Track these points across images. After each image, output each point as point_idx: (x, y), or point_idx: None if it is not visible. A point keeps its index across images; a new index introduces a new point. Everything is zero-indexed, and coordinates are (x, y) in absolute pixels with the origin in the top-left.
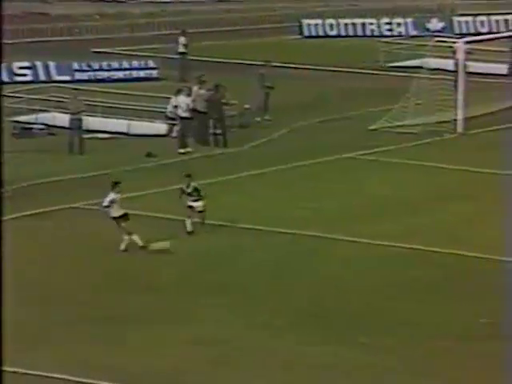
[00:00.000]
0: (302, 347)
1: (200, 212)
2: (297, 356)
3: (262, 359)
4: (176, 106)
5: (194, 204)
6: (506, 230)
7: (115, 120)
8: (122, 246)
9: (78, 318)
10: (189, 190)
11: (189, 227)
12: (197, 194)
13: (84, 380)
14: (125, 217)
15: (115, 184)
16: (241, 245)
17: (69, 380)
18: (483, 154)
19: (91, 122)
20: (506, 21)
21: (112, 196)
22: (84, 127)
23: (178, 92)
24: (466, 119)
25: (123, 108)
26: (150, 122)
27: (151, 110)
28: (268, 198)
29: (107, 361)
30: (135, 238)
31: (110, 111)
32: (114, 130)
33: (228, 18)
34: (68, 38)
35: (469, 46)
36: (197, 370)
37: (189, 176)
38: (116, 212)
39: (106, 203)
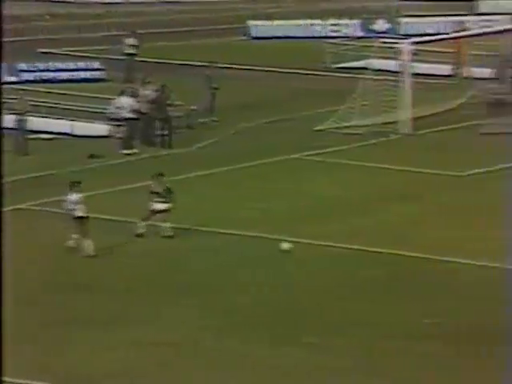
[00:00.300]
0: (256, 348)
1: (163, 212)
2: (254, 357)
3: (215, 360)
4: (119, 107)
5: (159, 206)
6: (449, 231)
7: (58, 121)
8: (69, 244)
9: (36, 320)
10: (158, 190)
11: (140, 229)
12: (168, 194)
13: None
14: (85, 218)
15: (74, 184)
16: (190, 246)
17: None
18: (429, 155)
19: (35, 122)
20: (452, 22)
21: (74, 197)
22: (28, 128)
23: (122, 93)
24: (412, 120)
25: (67, 109)
26: (94, 122)
27: (95, 111)
28: (216, 199)
29: (57, 363)
30: (89, 244)
31: (54, 112)
32: (57, 131)
33: (178, 19)
34: (17, 38)
35: (414, 47)
36: (147, 372)
37: (161, 175)
38: (80, 212)
39: (70, 206)
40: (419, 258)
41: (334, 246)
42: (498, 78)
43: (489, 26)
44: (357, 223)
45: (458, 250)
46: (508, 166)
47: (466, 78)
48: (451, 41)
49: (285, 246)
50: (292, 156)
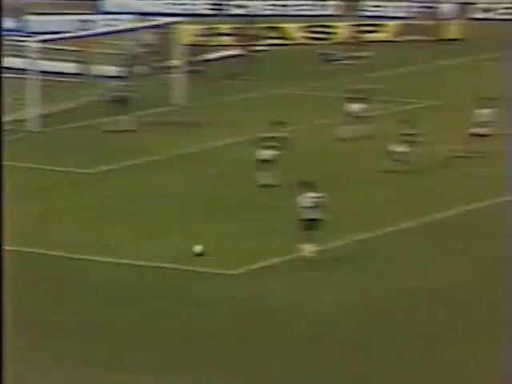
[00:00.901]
0: None
1: None
2: None
3: None
4: None
5: None
6: (79, 229)
7: None
8: None
9: None
10: None
11: None
12: None
13: None
14: None
15: None
16: None
17: None
18: (56, 153)
19: None
20: (79, 21)
21: None
22: None
23: None
24: (40, 118)
25: None
26: None
27: None
28: None
29: None
30: None
31: None
32: None
33: None
34: None
35: (42, 45)
36: None
37: None
38: None
39: None
40: (51, 256)
41: None
42: (124, 76)
43: (116, 25)
44: None
45: (88, 248)
46: (134, 162)
47: (94, 76)
48: (80, 39)
49: (197, 249)
50: None
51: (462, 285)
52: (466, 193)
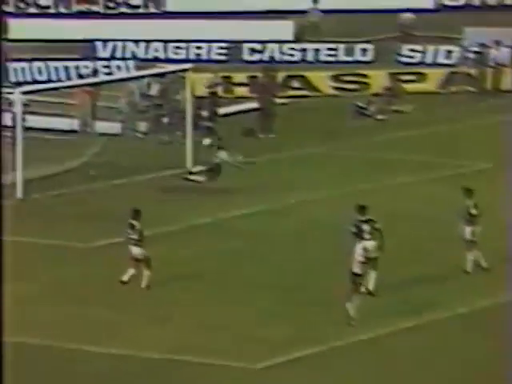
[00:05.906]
0: None
1: None
2: None
3: None
4: None
5: None
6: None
7: None
8: None
9: None
10: None
11: None
12: None
13: None
14: None
15: None
16: None
17: None
18: (44, 223)
19: None
20: (67, 68)
21: None
22: None
23: None
24: (26, 182)
25: None
26: None
27: None
28: None
29: None
30: None
31: None
32: None
33: None
34: None
35: (26, 96)
36: None
37: None
38: None
39: None
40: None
41: None
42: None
43: (111, 73)
44: None
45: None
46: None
47: (91, 132)
48: (76, 89)
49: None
50: None
51: None
52: None
